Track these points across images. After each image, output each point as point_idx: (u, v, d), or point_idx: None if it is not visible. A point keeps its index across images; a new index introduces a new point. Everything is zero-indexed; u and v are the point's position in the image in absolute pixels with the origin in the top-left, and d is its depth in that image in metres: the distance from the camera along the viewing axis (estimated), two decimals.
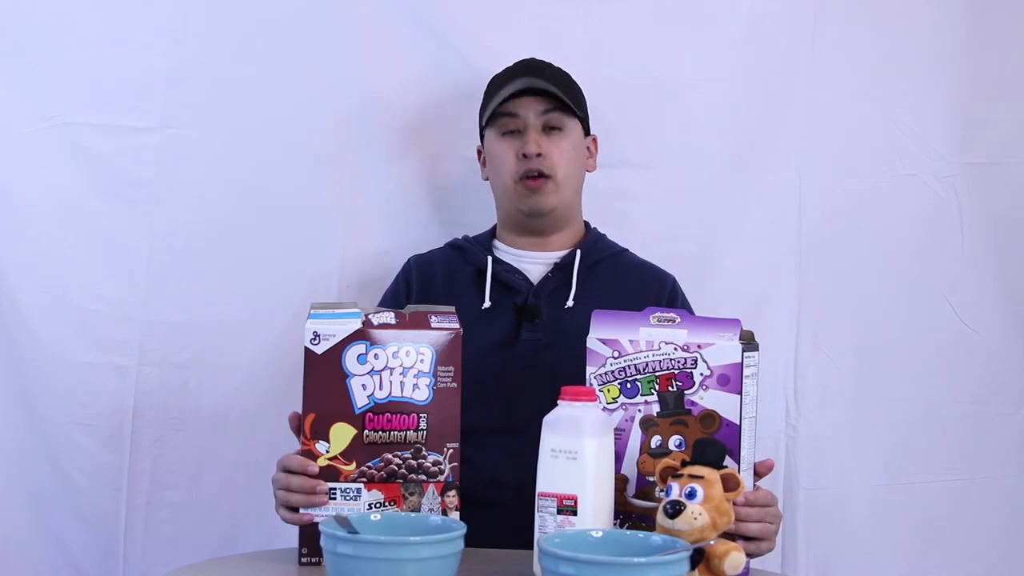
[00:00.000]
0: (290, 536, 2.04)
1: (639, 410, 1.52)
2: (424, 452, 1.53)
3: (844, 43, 2.13)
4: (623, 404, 1.52)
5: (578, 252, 1.86)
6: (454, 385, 1.54)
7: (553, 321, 1.82)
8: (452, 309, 1.58)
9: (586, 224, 1.94)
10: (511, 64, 1.91)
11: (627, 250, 1.92)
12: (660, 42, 2.12)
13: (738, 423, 1.48)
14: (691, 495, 1.36)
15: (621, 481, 1.50)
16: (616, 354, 1.53)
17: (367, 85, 2.08)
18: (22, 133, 2.02)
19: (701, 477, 1.37)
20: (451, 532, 1.33)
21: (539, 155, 1.82)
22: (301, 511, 1.53)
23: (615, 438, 1.48)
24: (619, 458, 1.50)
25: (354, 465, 1.52)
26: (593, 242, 1.90)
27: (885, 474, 2.11)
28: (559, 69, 1.90)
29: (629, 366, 1.52)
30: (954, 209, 2.12)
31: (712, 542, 1.34)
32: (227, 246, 2.05)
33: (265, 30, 2.06)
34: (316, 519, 1.50)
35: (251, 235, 2.06)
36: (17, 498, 2.02)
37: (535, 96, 1.84)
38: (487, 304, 1.83)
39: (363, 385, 1.52)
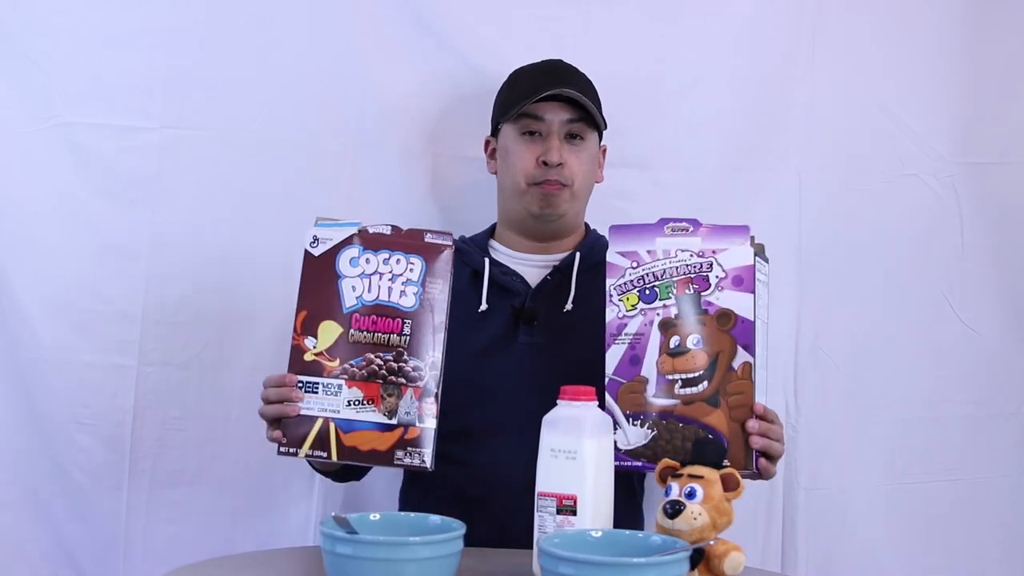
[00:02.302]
0: (290, 536, 2.05)
1: (657, 314, 1.59)
2: (406, 356, 1.59)
3: (844, 43, 2.13)
4: (642, 310, 1.60)
5: (577, 255, 1.85)
6: (441, 298, 1.61)
7: (551, 324, 1.81)
8: (449, 231, 1.64)
9: (586, 225, 1.94)
10: (536, 61, 1.90)
11: None
12: (660, 42, 2.12)
13: (752, 320, 1.55)
14: (691, 495, 1.36)
15: (641, 383, 1.58)
16: (635, 264, 1.61)
17: (367, 85, 2.08)
18: (22, 133, 2.02)
19: (701, 477, 1.38)
20: (451, 532, 1.33)
21: (559, 164, 1.82)
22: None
23: (635, 342, 1.56)
24: (639, 361, 1.59)
25: (338, 362, 1.58)
26: (592, 244, 1.89)
27: (885, 474, 2.12)
28: (584, 75, 1.89)
29: (648, 274, 1.60)
30: (954, 209, 2.13)
31: (712, 542, 1.34)
32: (227, 246, 2.05)
33: (265, 30, 2.06)
34: (301, 412, 1.57)
35: (251, 235, 2.06)
36: (17, 498, 2.02)
37: (563, 103, 1.82)
38: (484, 307, 1.83)
39: (353, 287, 1.60)
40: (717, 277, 1.57)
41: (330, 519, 1.34)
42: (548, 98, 1.81)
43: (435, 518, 1.41)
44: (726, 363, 1.55)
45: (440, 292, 1.61)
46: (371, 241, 1.62)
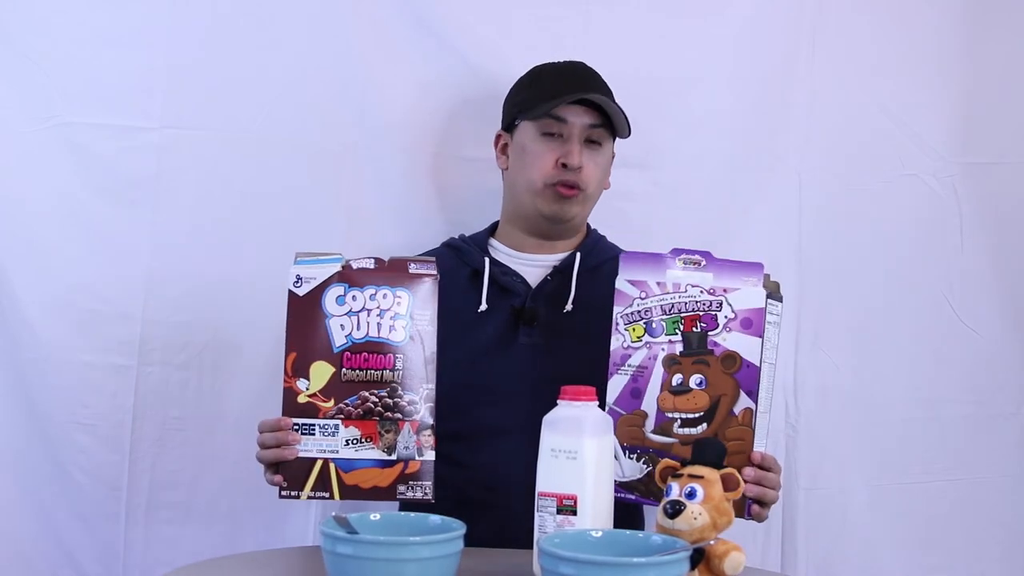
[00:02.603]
0: (290, 536, 2.05)
1: (662, 349, 1.58)
2: (400, 391, 1.59)
3: (844, 43, 2.13)
4: (647, 343, 1.59)
5: (578, 256, 1.85)
6: (430, 329, 1.60)
7: (551, 325, 1.81)
8: (432, 259, 1.64)
9: (587, 226, 1.94)
10: (559, 61, 1.89)
11: None
12: (660, 42, 2.11)
13: (758, 365, 1.53)
14: (691, 495, 1.36)
15: (640, 417, 1.58)
16: (643, 295, 1.60)
17: (367, 85, 2.08)
18: (22, 133, 2.01)
19: (701, 477, 1.37)
20: (451, 532, 1.33)
21: (579, 168, 1.81)
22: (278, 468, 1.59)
23: (638, 375, 1.54)
24: (640, 395, 1.58)
25: (332, 402, 1.59)
26: (593, 245, 1.89)
27: (885, 474, 2.11)
28: (603, 80, 1.88)
29: (656, 307, 1.59)
30: (954, 209, 2.13)
31: (712, 542, 1.34)
32: (227, 246, 2.05)
33: (265, 30, 2.06)
34: (299, 455, 1.58)
35: (251, 235, 2.05)
36: (17, 498, 2.02)
37: (587, 107, 1.81)
38: (483, 307, 1.83)
39: (341, 325, 1.60)
40: (726, 317, 1.55)
41: (330, 519, 1.34)
42: (574, 101, 1.81)
43: (435, 518, 1.41)
44: (727, 407, 1.54)
45: (429, 323, 1.60)
46: (356, 277, 1.61)
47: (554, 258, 1.87)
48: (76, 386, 2.01)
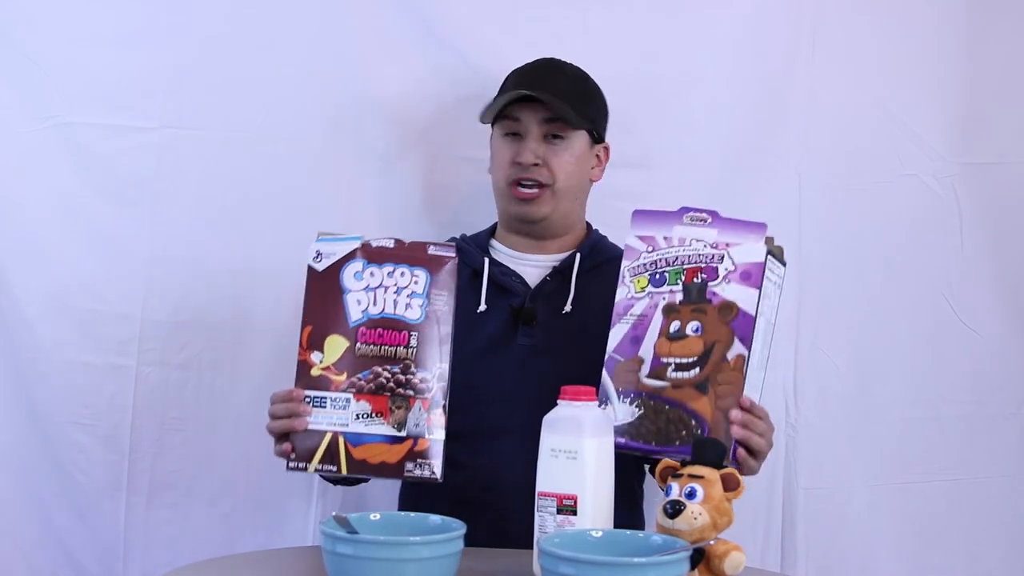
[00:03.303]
0: (290, 536, 2.05)
1: (663, 298, 1.61)
2: (413, 369, 1.59)
3: (844, 43, 2.13)
4: (649, 292, 1.61)
5: (577, 256, 1.85)
6: (446, 309, 1.61)
7: (550, 325, 1.81)
8: (452, 243, 1.64)
9: (588, 225, 1.94)
10: (532, 60, 1.89)
11: None
12: (660, 42, 2.12)
13: (753, 315, 1.55)
14: (691, 495, 1.36)
15: (637, 362, 1.59)
16: (650, 248, 1.63)
17: (367, 85, 2.08)
18: (21, 133, 2.02)
19: (701, 477, 1.37)
20: (451, 532, 1.33)
21: (536, 164, 1.81)
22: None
23: (638, 323, 1.58)
24: (639, 341, 1.60)
25: (345, 376, 1.58)
26: (593, 245, 1.89)
27: (885, 474, 2.11)
28: (577, 72, 1.88)
29: (660, 259, 1.62)
30: (954, 209, 2.13)
31: (712, 542, 1.34)
32: (227, 246, 2.05)
33: (265, 30, 2.06)
34: (309, 427, 1.57)
35: (251, 235, 2.06)
36: (17, 498, 2.03)
37: (542, 103, 1.81)
38: (483, 307, 1.83)
39: (358, 300, 1.60)
40: (727, 269, 1.58)
41: (330, 519, 1.34)
42: (524, 98, 1.81)
43: (435, 518, 1.41)
44: (721, 353, 1.56)
45: (445, 304, 1.61)
46: (375, 255, 1.61)
47: (554, 258, 1.87)
48: (76, 386, 2.01)
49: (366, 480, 1.89)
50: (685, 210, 1.63)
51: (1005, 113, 2.14)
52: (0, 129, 2.02)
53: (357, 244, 1.62)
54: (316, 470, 1.57)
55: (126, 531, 2.03)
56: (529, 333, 1.81)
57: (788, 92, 2.13)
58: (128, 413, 2.03)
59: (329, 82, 2.07)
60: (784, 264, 1.63)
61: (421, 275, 1.61)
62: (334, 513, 1.39)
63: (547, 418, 1.43)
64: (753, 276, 1.57)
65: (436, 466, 1.57)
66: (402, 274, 1.61)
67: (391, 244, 1.62)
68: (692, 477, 1.38)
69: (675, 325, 1.59)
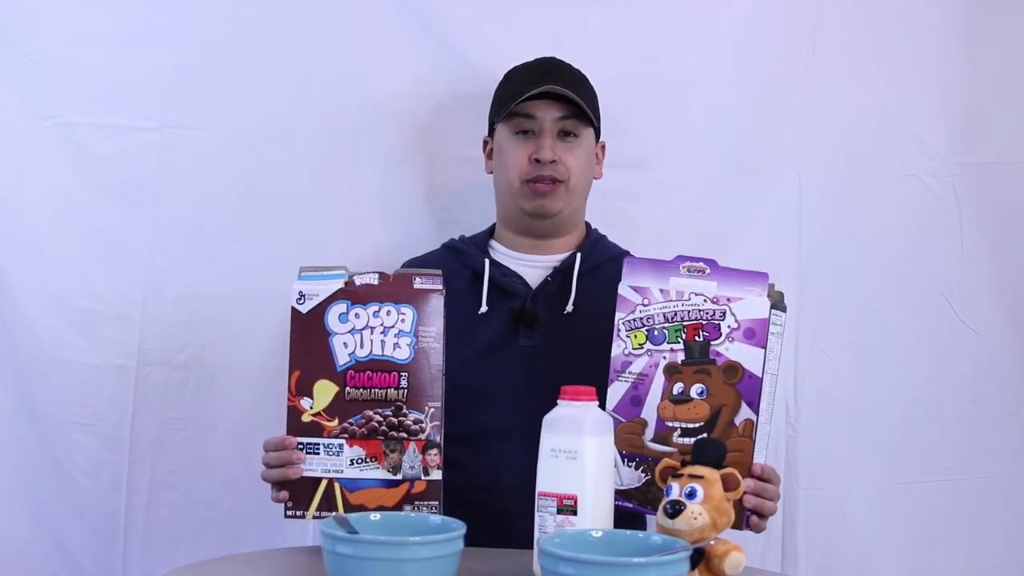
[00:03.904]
0: (290, 536, 2.05)
1: (664, 357, 1.56)
2: (405, 410, 1.56)
3: (844, 43, 2.13)
4: (648, 350, 1.57)
5: (578, 256, 1.85)
6: (436, 345, 1.57)
7: (552, 326, 1.81)
8: (438, 272, 1.60)
9: (587, 225, 1.94)
10: (530, 60, 1.89)
11: (628, 252, 1.91)
12: (660, 42, 2.11)
13: (760, 376, 1.51)
14: (691, 495, 1.36)
15: (640, 425, 1.56)
16: (646, 302, 1.58)
17: (367, 85, 2.08)
18: (21, 133, 2.02)
19: (701, 477, 1.37)
20: (451, 532, 1.33)
21: (553, 161, 1.81)
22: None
23: (639, 382, 1.53)
24: (640, 402, 1.56)
25: (336, 422, 1.56)
26: (593, 245, 1.89)
27: (885, 474, 2.11)
28: (577, 71, 1.88)
29: (658, 314, 1.57)
30: (954, 209, 2.12)
31: (712, 542, 1.34)
32: (227, 246, 2.05)
33: (265, 30, 2.06)
34: (304, 474, 1.56)
35: (251, 235, 2.06)
36: (17, 498, 2.03)
37: (555, 100, 1.81)
38: (484, 309, 1.82)
39: (344, 343, 1.57)
40: (729, 327, 1.54)
41: (331, 519, 1.34)
42: (539, 96, 1.81)
43: (435, 518, 1.41)
44: (728, 418, 1.53)
45: (434, 340, 1.57)
46: (359, 294, 1.57)
47: (554, 259, 1.87)
48: (76, 386, 2.01)
49: None
50: (681, 259, 1.59)
51: (1005, 113, 2.14)
52: (0, 129, 2.01)
53: (340, 283, 1.58)
54: (314, 516, 1.57)
55: (125, 531, 2.03)
56: (531, 335, 1.81)
57: (788, 92, 2.12)
58: (128, 413, 2.03)
59: (329, 82, 2.07)
60: (785, 310, 1.59)
61: (408, 312, 1.57)
62: (334, 513, 1.39)
63: (547, 418, 1.43)
64: (758, 334, 1.53)
65: (435, 507, 1.55)
66: (388, 313, 1.57)
67: (375, 280, 1.58)
68: (692, 477, 1.38)
69: (679, 387, 1.55)
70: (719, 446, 1.44)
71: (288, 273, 1.97)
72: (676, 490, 1.37)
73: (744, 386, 1.52)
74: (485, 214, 1.97)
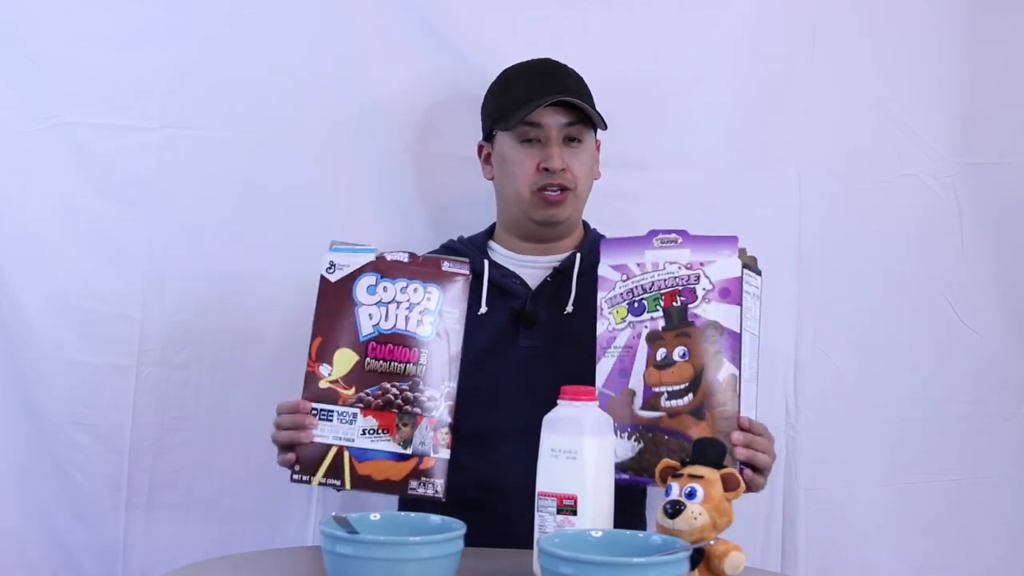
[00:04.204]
0: (290, 536, 2.05)
1: (645, 327, 1.59)
2: (421, 386, 1.58)
3: (844, 43, 2.13)
4: (630, 322, 1.60)
5: (578, 256, 1.85)
6: (458, 327, 1.60)
7: (552, 327, 1.81)
8: (465, 260, 1.64)
9: (585, 225, 1.94)
10: (525, 62, 1.88)
11: None
12: (660, 42, 2.12)
13: (739, 332, 1.55)
14: (691, 495, 1.36)
15: (628, 395, 1.58)
16: (624, 277, 1.61)
17: (367, 85, 2.08)
18: (21, 133, 2.02)
19: (701, 477, 1.37)
20: (451, 532, 1.33)
21: (563, 169, 1.81)
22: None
23: (624, 355, 1.56)
24: (627, 374, 1.59)
25: (353, 390, 1.58)
26: (592, 244, 1.88)
27: (885, 474, 2.12)
28: (574, 72, 1.88)
29: (636, 287, 1.60)
30: (954, 209, 2.13)
31: (712, 542, 1.34)
32: (227, 246, 2.05)
33: (265, 30, 2.06)
34: (315, 439, 1.57)
35: (251, 235, 2.05)
36: (17, 498, 2.02)
37: (559, 106, 1.81)
38: (483, 309, 1.82)
39: (370, 315, 1.59)
40: (704, 289, 1.57)
41: (330, 519, 1.34)
42: (549, 103, 1.80)
43: (435, 518, 1.41)
44: (712, 375, 1.55)
45: (456, 321, 1.60)
46: (389, 269, 1.61)
47: (554, 259, 1.87)
48: (76, 386, 2.01)
49: None
50: (653, 233, 1.62)
51: (1005, 113, 2.14)
52: (0, 129, 2.01)
53: (371, 257, 1.61)
54: (320, 483, 1.57)
55: (126, 531, 2.03)
56: (531, 335, 1.81)
57: (788, 92, 2.13)
58: (128, 413, 2.03)
59: (329, 82, 2.07)
60: (759, 273, 1.62)
61: (434, 292, 1.61)
62: (334, 513, 1.39)
63: (547, 418, 1.43)
64: (732, 293, 1.56)
65: (440, 485, 1.57)
66: (415, 290, 1.60)
67: (405, 258, 1.62)
68: (692, 477, 1.38)
69: (662, 352, 1.58)
70: (719, 446, 1.44)
71: (288, 273, 1.99)
72: (676, 490, 1.37)
73: (724, 343, 1.55)
74: (484, 214, 1.97)
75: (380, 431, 1.57)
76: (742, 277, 1.56)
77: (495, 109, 1.88)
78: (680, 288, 1.58)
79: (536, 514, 1.41)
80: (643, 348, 1.59)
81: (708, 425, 1.54)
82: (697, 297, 1.57)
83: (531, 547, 1.42)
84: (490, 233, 1.94)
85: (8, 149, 2.02)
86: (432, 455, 1.57)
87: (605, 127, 1.86)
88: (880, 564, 2.11)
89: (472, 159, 1.98)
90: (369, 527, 1.37)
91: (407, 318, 1.59)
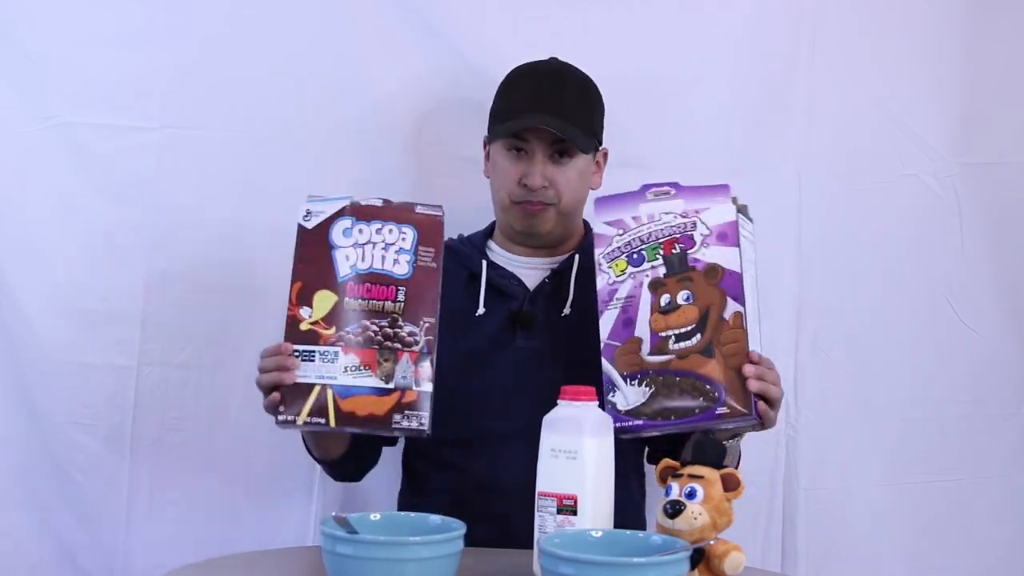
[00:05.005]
0: (290, 536, 2.05)
1: (647, 276, 1.61)
2: (400, 322, 1.60)
3: (844, 43, 2.13)
4: (631, 273, 1.62)
5: (576, 258, 1.84)
6: (434, 265, 1.62)
7: (550, 329, 1.80)
8: (439, 204, 1.66)
9: (586, 224, 1.93)
10: (537, 62, 1.86)
11: None
12: (660, 42, 2.11)
13: (739, 272, 1.57)
14: (691, 495, 1.36)
15: (636, 343, 1.59)
16: (621, 232, 1.63)
17: (367, 85, 2.08)
18: (21, 133, 2.02)
19: (701, 477, 1.37)
20: (451, 532, 1.33)
21: (544, 186, 1.80)
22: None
23: (627, 305, 1.59)
24: (632, 323, 1.60)
25: (333, 330, 1.60)
26: (591, 245, 1.88)
27: (885, 474, 2.12)
28: (579, 81, 1.85)
29: (634, 239, 1.63)
30: (954, 209, 2.13)
31: (712, 542, 1.34)
32: (226, 246, 2.05)
33: (265, 30, 2.06)
34: (298, 380, 1.58)
35: (250, 235, 2.05)
36: (17, 498, 2.03)
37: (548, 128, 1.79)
38: (481, 311, 1.82)
39: (346, 256, 1.62)
40: (702, 235, 1.60)
41: (330, 519, 1.34)
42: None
43: (435, 518, 1.41)
44: (717, 314, 1.57)
45: (432, 260, 1.62)
46: (363, 213, 1.63)
47: (552, 260, 1.87)
48: (76, 386, 2.01)
49: (355, 479, 1.89)
50: (646, 187, 1.65)
51: (1005, 113, 2.14)
52: (0, 129, 2.01)
53: (346, 203, 1.64)
54: (305, 422, 1.58)
55: (126, 531, 2.03)
56: (528, 337, 1.80)
57: (788, 92, 2.12)
58: (128, 413, 2.03)
59: (329, 82, 2.07)
60: (751, 220, 1.65)
61: (409, 232, 1.63)
62: (334, 513, 1.39)
63: (547, 418, 1.43)
64: (729, 236, 1.59)
65: (424, 417, 1.58)
66: (390, 231, 1.62)
67: (379, 203, 1.64)
68: (692, 477, 1.38)
69: (665, 298, 1.60)
70: (719, 446, 1.44)
71: (288, 273, 1.97)
72: (676, 490, 1.37)
73: (726, 283, 1.58)
74: (484, 214, 1.96)
75: (362, 367, 1.58)
76: (737, 221, 1.60)
77: (494, 110, 1.87)
78: (678, 236, 1.61)
79: (536, 514, 1.41)
80: (646, 296, 1.60)
81: (719, 361, 1.55)
82: (695, 243, 1.60)
83: (531, 547, 1.42)
84: (489, 232, 1.93)
85: (8, 149, 2.02)
86: (414, 388, 1.58)
87: (597, 148, 1.85)
88: (880, 564, 2.11)
89: (472, 159, 1.98)
90: (369, 527, 1.37)
91: (383, 257, 1.62)
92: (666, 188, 1.64)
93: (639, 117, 2.08)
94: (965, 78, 2.14)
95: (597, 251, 1.64)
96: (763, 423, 1.58)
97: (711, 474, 1.38)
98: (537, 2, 2.10)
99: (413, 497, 1.85)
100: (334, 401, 1.57)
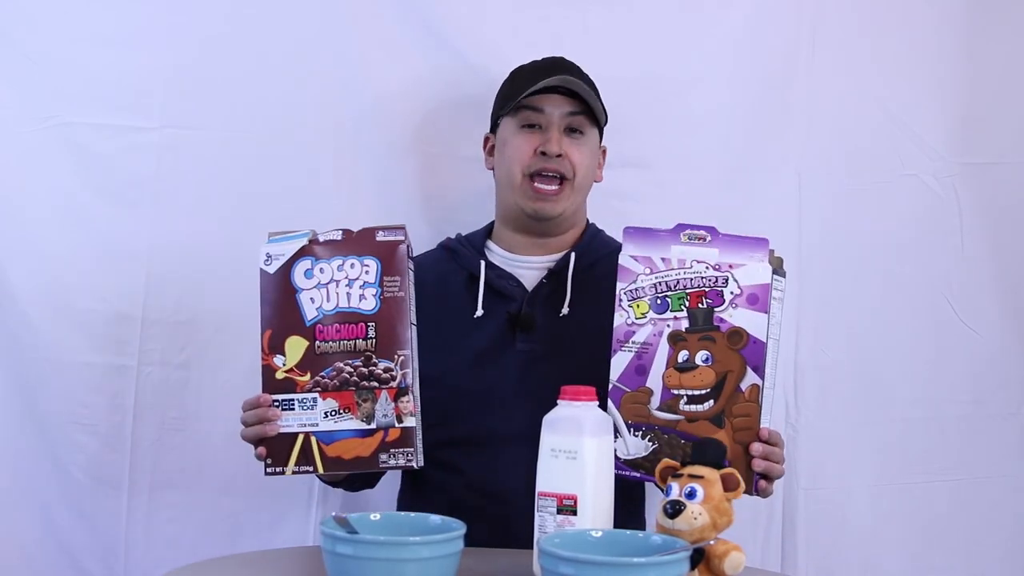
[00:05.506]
0: (290, 536, 2.05)
1: (668, 325, 1.57)
2: (375, 359, 1.58)
3: (844, 43, 2.13)
4: (652, 319, 1.58)
5: (572, 256, 1.84)
6: (401, 294, 1.59)
7: (548, 330, 1.80)
8: (402, 225, 1.62)
9: (586, 221, 1.93)
10: (538, 59, 1.89)
11: None
12: (660, 42, 2.11)
13: (764, 341, 1.52)
14: (691, 495, 1.36)
15: (645, 394, 1.57)
16: (648, 271, 1.58)
17: (367, 85, 2.08)
18: (21, 133, 2.02)
19: (701, 477, 1.37)
20: (451, 532, 1.33)
21: (559, 156, 1.80)
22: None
23: (643, 351, 1.55)
24: (645, 371, 1.57)
25: (309, 376, 1.58)
26: (589, 242, 1.88)
27: (885, 474, 2.12)
28: (585, 73, 1.87)
29: (661, 283, 1.58)
30: (954, 209, 2.13)
31: (712, 542, 1.34)
32: (227, 246, 2.05)
33: (265, 30, 2.06)
34: (281, 431, 1.57)
35: (250, 235, 2.04)
36: (17, 498, 2.03)
37: (564, 96, 1.81)
38: (479, 312, 1.82)
39: (311, 298, 1.59)
40: (732, 293, 1.55)
41: (330, 519, 1.34)
42: (549, 90, 1.80)
43: (435, 518, 1.41)
44: (734, 383, 1.54)
45: (399, 288, 1.59)
46: (322, 250, 1.60)
47: (550, 259, 1.86)
48: (76, 386, 2.02)
49: (370, 486, 1.89)
50: (681, 227, 1.60)
51: (1005, 113, 2.14)
52: (0, 129, 2.01)
53: (304, 241, 1.61)
54: (294, 472, 1.58)
55: (126, 531, 2.03)
56: (526, 339, 1.80)
57: (788, 92, 2.12)
58: (128, 413, 2.03)
59: (329, 82, 2.07)
60: (784, 275, 1.60)
61: (372, 263, 1.60)
62: (334, 513, 1.39)
63: (547, 418, 1.43)
64: (760, 300, 1.54)
65: (411, 453, 1.57)
66: (352, 265, 1.60)
67: (339, 236, 1.61)
68: (692, 477, 1.38)
69: (683, 355, 1.56)
70: (719, 446, 1.44)
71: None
72: (676, 490, 1.37)
73: (749, 351, 1.53)
74: (484, 214, 1.97)
75: (341, 411, 1.57)
76: (771, 283, 1.54)
77: (500, 98, 1.88)
78: (707, 289, 1.56)
79: (536, 514, 1.41)
80: (664, 347, 1.57)
81: (727, 433, 1.53)
82: (724, 301, 1.55)
83: (531, 548, 1.42)
84: (488, 232, 1.93)
85: (8, 149, 2.02)
86: (397, 425, 1.57)
87: (606, 121, 1.86)
88: (880, 564, 2.11)
89: (472, 159, 1.98)
90: (369, 527, 1.37)
91: (348, 295, 1.59)
92: (702, 232, 1.58)
93: (639, 117, 2.08)
94: (965, 78, 2.14)
95: (620, 285, 1.60)
96: (760, 496, 1.58)
97: (711, 474, 1.38)
98: (537, 2, 2.10)
99: (413, 498, 1.85)
100: (319, 448, 1.57)
